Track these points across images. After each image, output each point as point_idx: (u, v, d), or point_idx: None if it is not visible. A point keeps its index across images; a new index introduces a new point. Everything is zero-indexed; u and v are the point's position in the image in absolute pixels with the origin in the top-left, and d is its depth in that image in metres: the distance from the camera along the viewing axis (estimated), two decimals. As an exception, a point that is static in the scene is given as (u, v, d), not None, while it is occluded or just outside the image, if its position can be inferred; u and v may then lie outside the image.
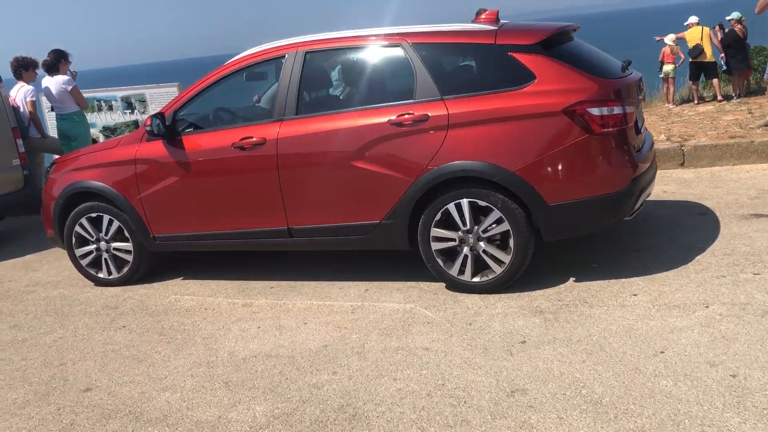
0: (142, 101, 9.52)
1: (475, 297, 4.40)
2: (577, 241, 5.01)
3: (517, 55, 4.27)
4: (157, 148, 5.09)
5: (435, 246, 4.47)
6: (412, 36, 4.53)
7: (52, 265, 6.36)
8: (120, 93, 9.40)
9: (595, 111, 4.09)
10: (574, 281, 4.47)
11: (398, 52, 4.56)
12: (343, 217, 4.67)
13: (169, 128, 4.96)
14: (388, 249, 4.72)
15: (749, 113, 9.49)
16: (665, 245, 4.92)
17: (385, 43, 4.62)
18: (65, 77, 7.79)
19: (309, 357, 3.85)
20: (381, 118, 4.46)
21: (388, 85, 4.69)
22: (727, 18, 12.64)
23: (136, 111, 9.29)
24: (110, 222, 5.37)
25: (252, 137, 4.77)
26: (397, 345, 3.86)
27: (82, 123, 8.00)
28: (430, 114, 4.34)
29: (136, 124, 9.12)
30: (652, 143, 5.07)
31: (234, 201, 4.92)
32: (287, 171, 4.70)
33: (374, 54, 4.70)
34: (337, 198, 4.64)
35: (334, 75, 5.29)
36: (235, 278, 5.33)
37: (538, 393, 3.20)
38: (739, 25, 12.25)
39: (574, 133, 4.12)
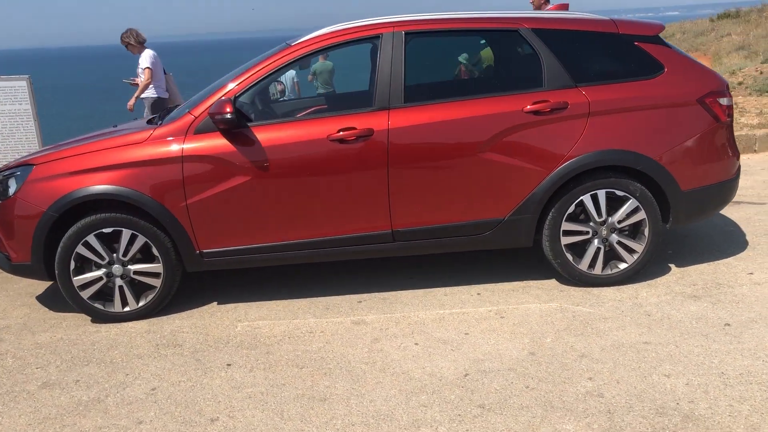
0: (-26, 97, 7.60)
1: (611, 290, 4.31)
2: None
3: (643, 45, 4.30)
4: (216, 143, 4.13)
5: (564, 240, 4.29)
6: (529, 21, 4.30)
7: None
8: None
9: (723, 101, 4.30)
10: (677, 267, 4.61)
11: (515, 38, 4.30)
12: (459, 215, 4.25)
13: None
14: (505, 247, 4.41)
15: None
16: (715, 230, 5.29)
17: (499, 27, 4.32)
18: None
19: (534, 365, 3.44)
20: (513, 106, 4.16)
21: (509, 72, 4.40)
22: None
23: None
24: (132, 238, 4.19)
25: (354, 128, 4.11)
26: (609, 343, 3.63)
27: None
28: (569, 102, 4.16)
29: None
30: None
31: (324, 203, 4.19)
32: (398, 166, 4.14)
33: (488, 39, 4.38)
34: (454, 194, 4.21)
35: (444, 59, 4.79)
36: (287, 297, 4.53)
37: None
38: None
39: (706, 122, 4.27)
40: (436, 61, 4.51)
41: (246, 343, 3.91)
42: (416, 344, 3.76)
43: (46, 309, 4.63)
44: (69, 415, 3.26)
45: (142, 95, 8.07)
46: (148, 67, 7.96)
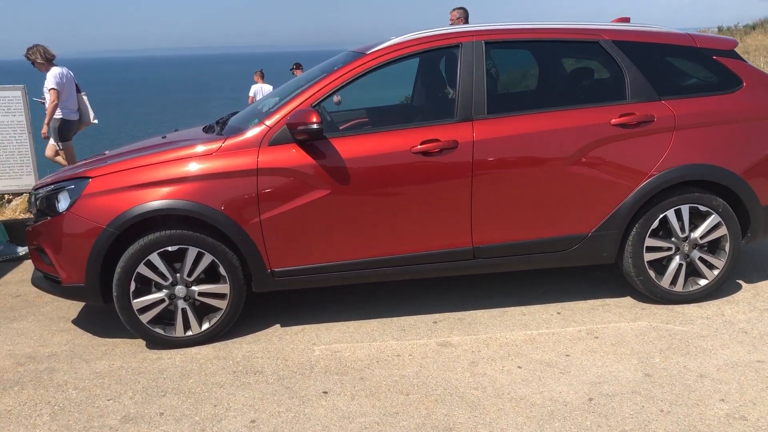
0: (-38, 106, 7.11)
1: (693, 307, 4.22)
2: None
3: (721, 60, 4.26)
4: (293, 155, 3.87)
5: (647, 257, 4.17)
6: (609, 33, 4.21)
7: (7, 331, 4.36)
8: None
9: (799, 116, 4.28)
10: (746, 283, 4.56)
11: (596, 49, 4.19)
12: (542, 230, 4.10)
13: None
14: (588, 264, 4.25)
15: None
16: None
17: (579, 38, 4.21)
18: None
19: (657, 387, 3.30)
20: (599, 118, 4.04)
21: (590, 83, 4.28)
22: None
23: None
24: (198, 257, 3.89)
25: (437, 140, 3.92)
26: (722, 362, 3.52)
27: None
28: (655, 115, 4.07)
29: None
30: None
31: (405, 218, 3.98)
32: (483, 180, 3.97)
33: (567, 50, 4.26)
34: (538, 209, 4.06)
35: (522, 70, 4.63)
36: (354, 318, 4.29)
37: None
38: None
39: (783, 136, 4.24)
40: (516, 71, 4.36)
41: (333, 369, 3.64)
42: (519, 367, 3.57)
43: (90, 335, 4.26)
44: (169, 453, 2.94)
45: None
46: (52, 88, 7.14)
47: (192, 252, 3.86)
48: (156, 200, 3.79)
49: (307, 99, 3.95)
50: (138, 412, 3.29)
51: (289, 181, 3.85)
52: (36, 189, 4.23)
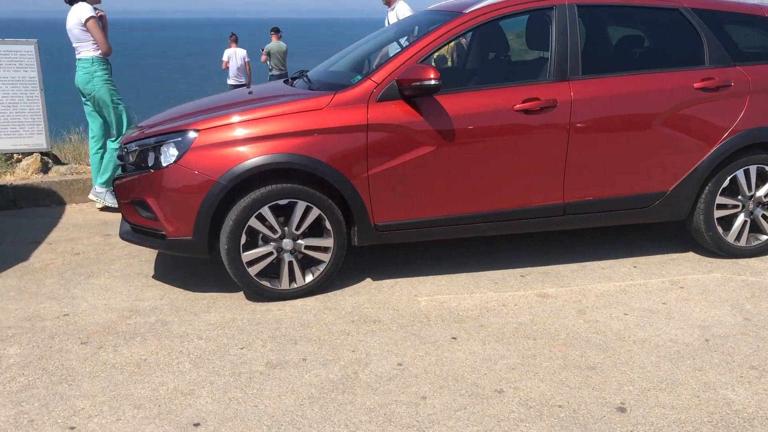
0: (-28, 60, 6.83)
1: (756, 260, 4.56)
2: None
3: (787, 30, 4.55)
4: (401, 111, 3.96)
5: (717, 214, 4.47)
6: (687, 1, 4.44)
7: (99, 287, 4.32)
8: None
9: None
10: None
11: (676, 16, 4.42)
12: (626, 188, 4.33)
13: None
14: (665, 220, 4.51)
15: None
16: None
17: (661, 5, 4.42)
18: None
19: (765, 330, 3.58)
20: (683, 81, 4.28)
21: (673, 49, 4.47)
22: None
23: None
24: (306, 210, 3.94)
25: (537, 98, 4.08)
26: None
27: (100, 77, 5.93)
28: (732, 80, 4.33)
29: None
30: None
31: (505, 175, 4.13)
32: (578, 138, 4.16)
33: (651, 16, 4.46)
34: (625, 167, 4.28)
35: (611, 33, 4.77)
36: (441, 272, 4.42)
37: None
38: None
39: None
40: (604, 34, 4.54)
41: (447, 317, 3.78)
42: (626, 314, 3.80)
43: (180, 289, 4.25)
44: (335, 393, 3.03)
45: None
46: None
47: (301, 206, 3.91)
48: (270, 153, 3.80)
49: (413, 56, 4.02)
50: (279, 358, 3.36)
51: (396, 136, 3.94)
52: (127, 143, 4.17)
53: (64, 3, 6.02)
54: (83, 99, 6.10)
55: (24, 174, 6.95)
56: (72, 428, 2.81)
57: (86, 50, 5.90)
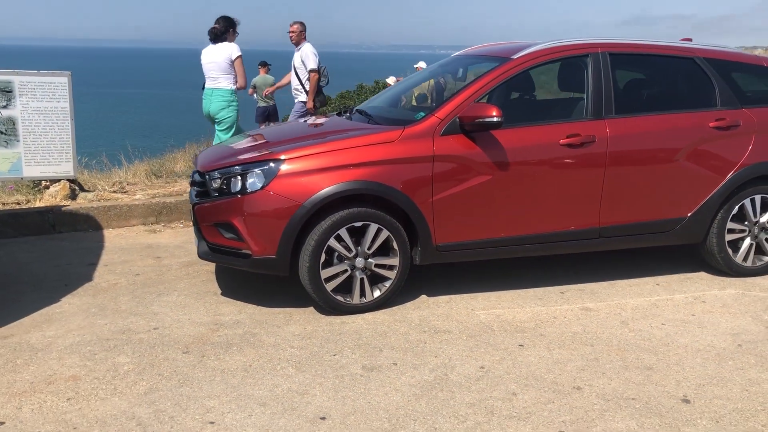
0: (7, 91, 7.09)
1: (760, 279, 5.15)
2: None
3: (784, 77, 5.23)
4: (463, 144, 4.46)
5: (727, 237, 5.07)
6: (701, 51, 5.09)
7: (172, 307, 4.65)
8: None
9: None
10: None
11: (691, 64, 5.05)
12: (652, 213, 4.89)
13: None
14: (681, 243, 5.07)
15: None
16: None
17: (678, 54, 5.05)
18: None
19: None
20: (700, 121, 4.89)
21: (690, 92, 5.09)
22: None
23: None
24: (378, 232, 4.39)
25: (578, 134, 4.64)
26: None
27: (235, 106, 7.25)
28: (741, 121, 4.97)
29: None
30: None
31: (548, 201, 4.65)
32: (612, 169, 4.70)
33: (670, 63, 5.07)
34: (653, 195, 4.84)
35: (636, 77, 5.36)
36: (488, 290, 4.88)
37: None
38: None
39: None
40: (632, 78, 5.14)
41: (508, 328, 4.23)
42: (663, 324, 4.31)
43: (253, 305, 4.60)
44: (434, 390, 3.44)
45: None
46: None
47: (372, 228, 4.34)
48: (348, 181, 4.24)
49: (471, 96, 4.53)
50: (371, 363, 3.76)
51: (458, 166, 4.42)
52: (209, 170, 4.53)
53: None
54: (215, 124, 7.23)
55: (52, 200, 7.18)
56: (212, 423, 3.16)
57: (226, 82, 7.08)
